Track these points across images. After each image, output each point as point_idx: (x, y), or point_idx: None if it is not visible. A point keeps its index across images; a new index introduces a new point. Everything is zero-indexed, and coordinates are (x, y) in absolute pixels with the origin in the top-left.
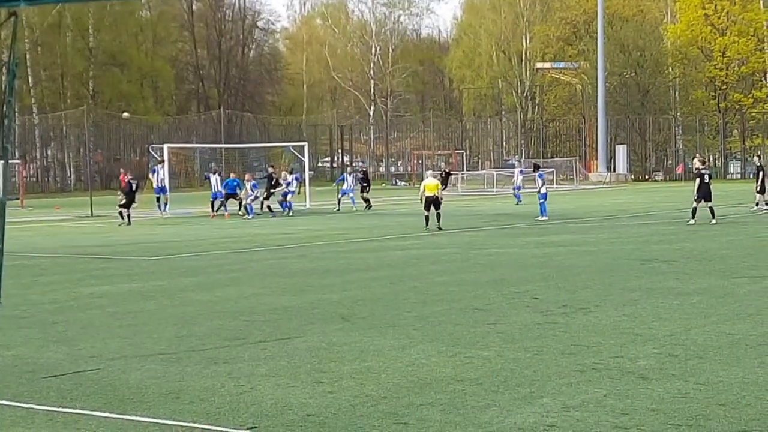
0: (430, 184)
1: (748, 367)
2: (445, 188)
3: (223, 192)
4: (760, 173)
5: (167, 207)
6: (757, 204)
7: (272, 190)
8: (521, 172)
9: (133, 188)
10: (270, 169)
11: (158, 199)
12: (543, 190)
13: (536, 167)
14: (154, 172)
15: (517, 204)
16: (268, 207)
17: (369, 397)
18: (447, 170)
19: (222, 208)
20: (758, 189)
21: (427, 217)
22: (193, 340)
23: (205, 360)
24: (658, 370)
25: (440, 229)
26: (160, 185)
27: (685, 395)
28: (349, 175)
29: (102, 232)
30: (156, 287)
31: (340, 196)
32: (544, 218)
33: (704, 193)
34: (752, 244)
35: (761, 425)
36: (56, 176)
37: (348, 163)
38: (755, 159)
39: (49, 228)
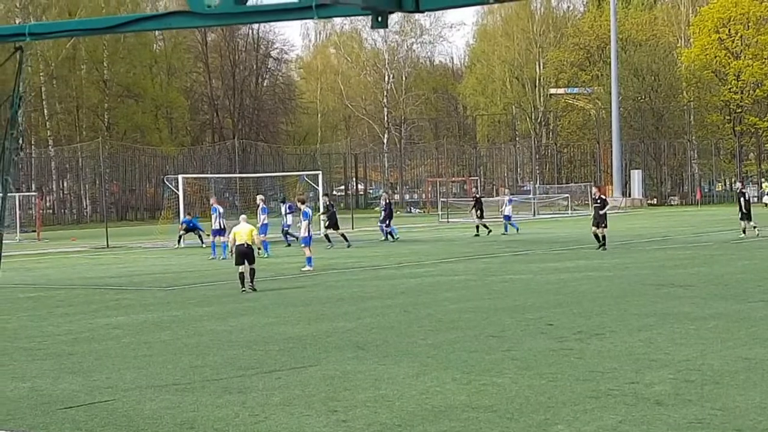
0: (242, 230)
1: (765, 392)
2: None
3: (181, 229)
4: (741, 199)
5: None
6: (744, 231)
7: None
8: (510, 201)
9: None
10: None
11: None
12: (507, 212)
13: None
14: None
15: (504, 234)
16: (326, 236)
17: (383, 426)
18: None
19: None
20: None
21: (241, 275)
22: (207, 370)
23: (219, 390)
24: (673, 396)
25: (254, 289)
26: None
27: (702, 421)
28: (382, 201)
29: (117, 263)
30: (171, 317)
31: (381, 226)
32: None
33: None
34: None
35: None
36: (72, 208)
37: (385, 191)
38: (738, 184)
39: (65, 259)
